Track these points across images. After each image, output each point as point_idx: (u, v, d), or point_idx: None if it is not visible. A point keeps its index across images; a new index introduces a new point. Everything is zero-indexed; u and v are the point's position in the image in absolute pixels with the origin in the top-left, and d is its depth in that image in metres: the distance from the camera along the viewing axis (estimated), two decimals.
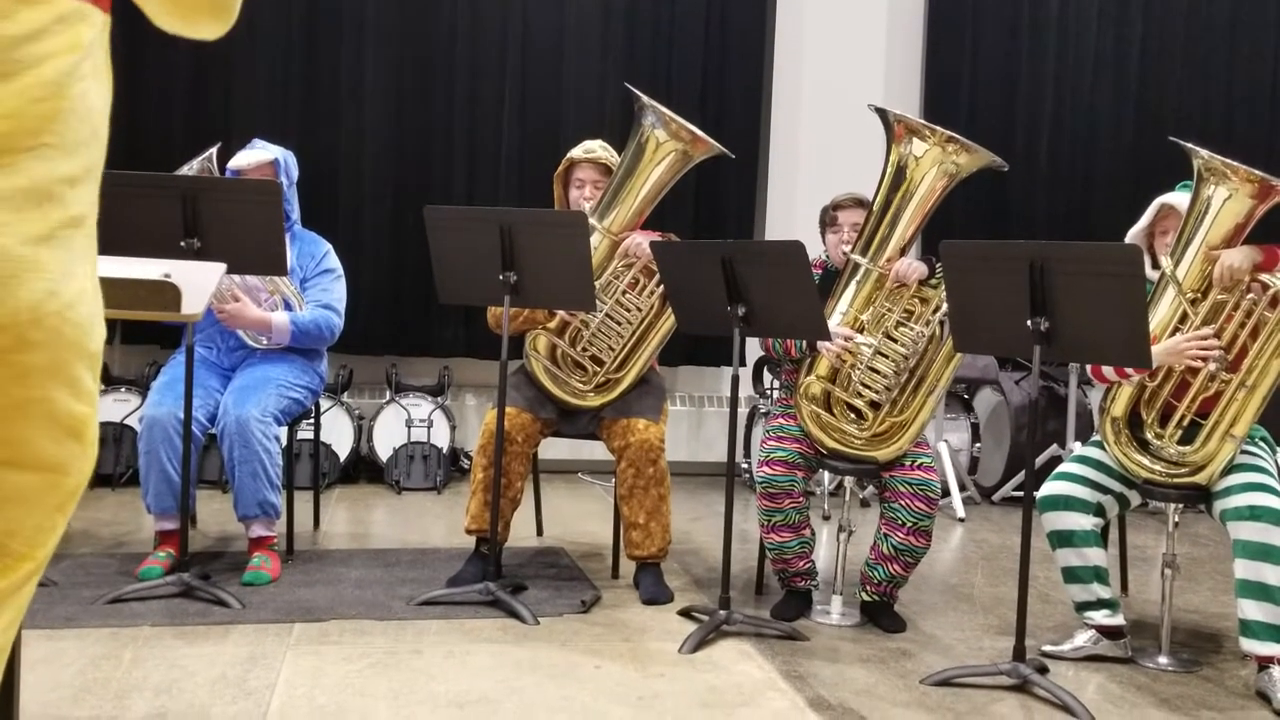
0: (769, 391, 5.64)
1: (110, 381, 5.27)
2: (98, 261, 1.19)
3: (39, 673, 2.73)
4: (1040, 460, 5.28)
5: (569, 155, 3.83)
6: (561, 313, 3.69)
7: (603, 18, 5.86)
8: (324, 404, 4.81)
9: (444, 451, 5.44)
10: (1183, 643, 3.38)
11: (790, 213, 6.07)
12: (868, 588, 3.47)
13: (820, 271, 3.62)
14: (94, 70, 1.14)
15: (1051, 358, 2.95)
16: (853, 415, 3.47)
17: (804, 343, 3.48)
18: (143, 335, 5.43)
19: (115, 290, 1.64)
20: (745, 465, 5.69)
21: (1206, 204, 3.06)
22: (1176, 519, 3.25)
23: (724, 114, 5.98)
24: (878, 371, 3.43)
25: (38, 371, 1.08)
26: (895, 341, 3.44)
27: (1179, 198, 3.24)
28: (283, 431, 3.75)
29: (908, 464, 3.41)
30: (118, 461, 5.07)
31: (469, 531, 3.67)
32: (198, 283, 1.77)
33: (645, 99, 3.61)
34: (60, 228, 1.08)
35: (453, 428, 5.54)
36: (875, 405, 3.45)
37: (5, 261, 1.02)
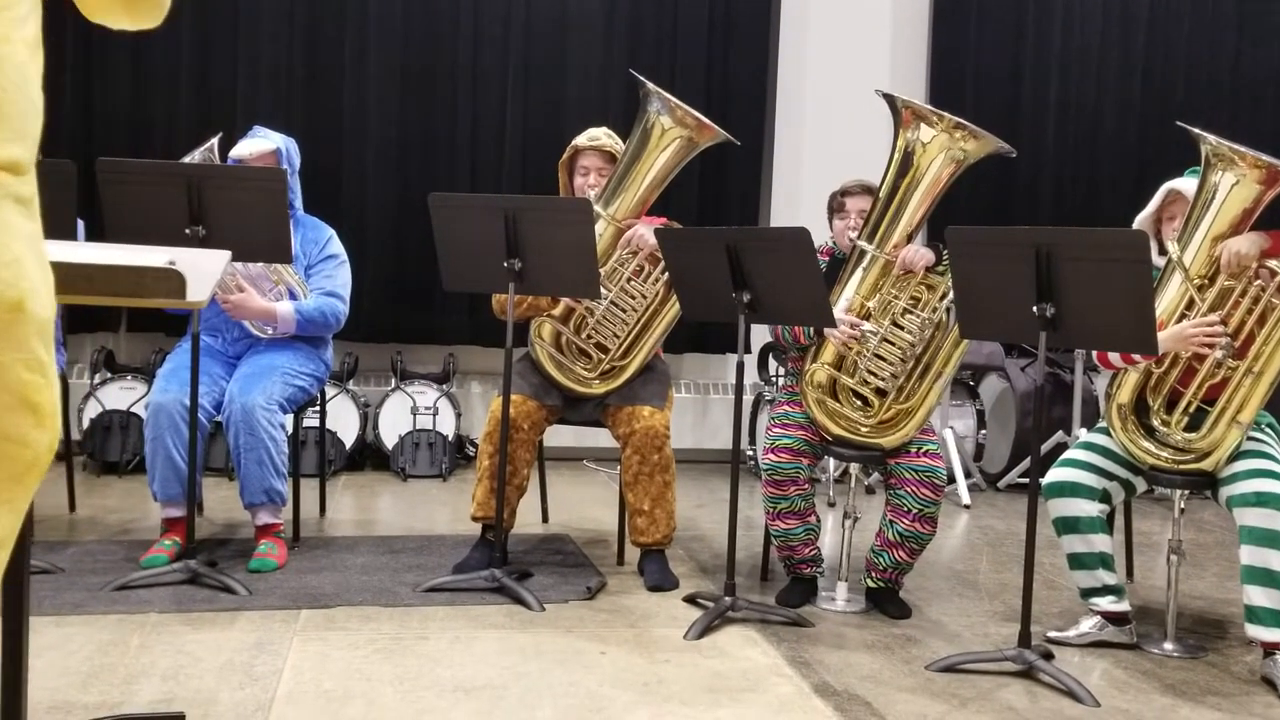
0: (774, 378, 5.64)
1: (116, 369, 5.28)
2: (46, 238, 1.18)
3: (47, 659, 2.74)
4: (1046, 447, 5.28)
5: (574, 142, 3.82)
6: (566, 300, 3.69)
7: (607, 3, 5.84)
8: (329, 391, 4.82)
9: (449, 439, 5.45)
10: (1188, 629, 3.38)
11: (795, 199, 6.06)
12: (873, 574, 3.47)
13: (827, 258, 3.61)
14: (28, 44, 1.13)
15: (1057, 344, 2.94)
16: (859, 402, 3.47)
17: (812, 329, 3.48)
18: (148, 323, 5.43)
19: (120, 277, 1.64)
20: (750, 452, 5.69)
21: (1214, 190, 3.05)
22: (1182, 505, 3.25)
23: (729, 100, 5.96)
24: (884, 358, 3.43)
25: None
26: (902, 328, 3.43)
27: (1186, 183, 3.22)
28: (288, 419, 3.76)
29: (913, 451, 3.41)
30: (124, 449, 5.08)
31: (475, 518, 3.68)
32: (203, 270, 1.77)
33: (650, 85, 3.60)
34: None
35: (458, 415, 5.55)
36: (881, 392, 3.44)
37: None
